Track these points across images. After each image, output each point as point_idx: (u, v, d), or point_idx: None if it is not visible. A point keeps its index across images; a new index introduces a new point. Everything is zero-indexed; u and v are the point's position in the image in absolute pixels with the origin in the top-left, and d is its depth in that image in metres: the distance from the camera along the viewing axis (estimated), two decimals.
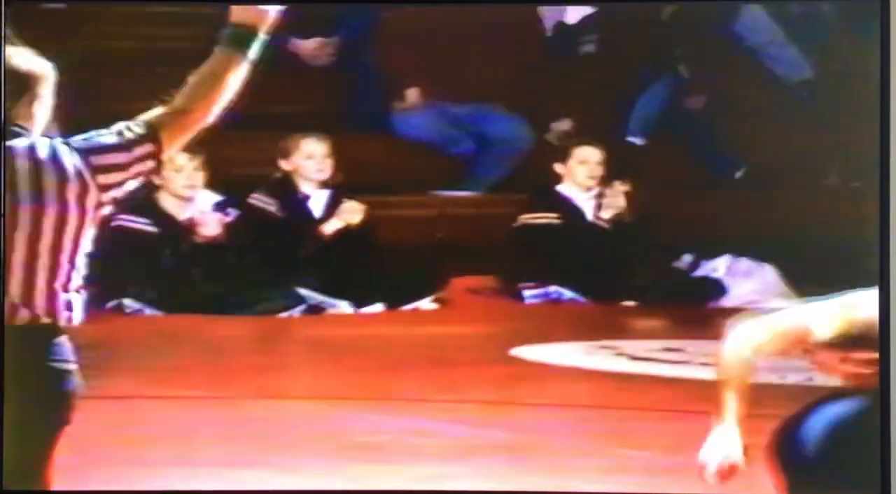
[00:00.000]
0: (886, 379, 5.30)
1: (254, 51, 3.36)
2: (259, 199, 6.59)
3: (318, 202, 6.64)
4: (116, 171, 3.33)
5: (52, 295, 3.35)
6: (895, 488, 5.17)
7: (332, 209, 6.61)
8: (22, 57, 3.51)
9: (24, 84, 3.42)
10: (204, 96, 3.41)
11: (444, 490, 4.76)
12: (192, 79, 3.39)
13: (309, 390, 5.70)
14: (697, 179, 6.96)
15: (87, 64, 6.63)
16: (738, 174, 6.96)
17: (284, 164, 6.61)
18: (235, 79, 3.39)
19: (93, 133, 3.41)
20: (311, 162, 6.59)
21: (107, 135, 3.39)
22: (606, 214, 6.78)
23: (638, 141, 7.05)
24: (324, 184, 6.64)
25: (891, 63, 5.32)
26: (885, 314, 5.32)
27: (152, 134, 3.36)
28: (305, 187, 6.65)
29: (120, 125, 3.42)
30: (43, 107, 3.43)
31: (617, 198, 6.73)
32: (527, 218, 6.79)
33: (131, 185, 3.36)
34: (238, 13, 3.41)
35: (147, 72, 6.68)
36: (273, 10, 3.43)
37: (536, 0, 7.09)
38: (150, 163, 3.35)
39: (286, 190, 6.62)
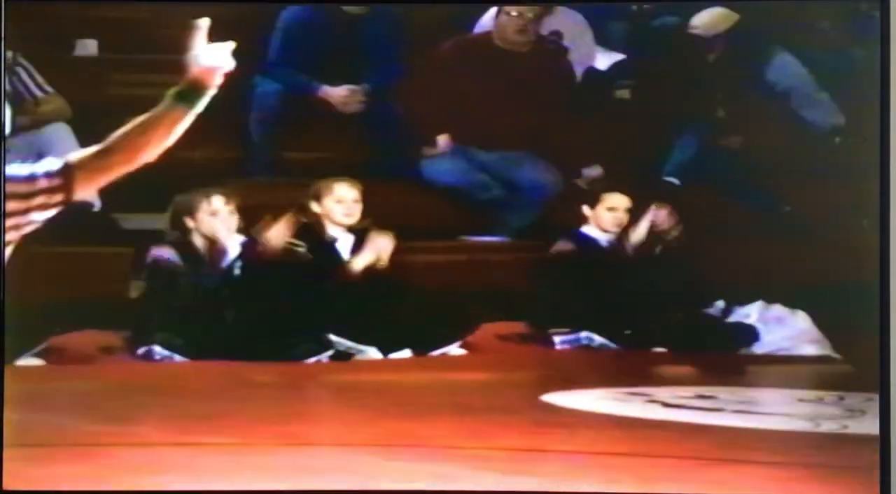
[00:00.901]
0: (886, 379, 5.27)
1: (200, 105, 3.41)
2: (290, 243, 6.61)
3: (345, 246, 6.67)
4: (16, 200, 3.50)
5: None
6: (895, 488, 5.12)
7: (358, 251, 6.64)
8: None
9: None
10: (135, 142, 3.49)
11: (443, 490, 4.75)
12: (130, 123, 3.47)
13: (337, 437, 5.69)
14: (731, 224, 6.93)
15: (116, 110, 6.68)
16: (787, 208, 6.92)
17: (315, 207, 6.66)
18: (176, 130, 3.46)
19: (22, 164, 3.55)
20: (340, 206, 6.65)
21: (25, 167, 3.51)
22: (635, 237, 6.77)
23: (675, 181, 7.03)
24: (350, 229, 6.66)
25: (891, 63, 5.30)
26: (885, 315, 5.30)
27: (65, 171, 3.47)
28: (333, 230, 6.68)
29: (44, 161, 3.53)
30: None
31: (658, 219, 6.73)
32: (553, 254, 6.78)
33: (36, 216, 3.54)
34: (196, 72, 3.47)
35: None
36: (227, 66, 3.49)
37: (538, 0, 7.09)
38: (57, 198, 3.46)
39: (313, 234, 6.64)
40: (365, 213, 6.67)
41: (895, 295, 5.21)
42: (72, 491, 5.17)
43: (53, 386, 6.00)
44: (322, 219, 6.65)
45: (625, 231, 6.82)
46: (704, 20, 6.95)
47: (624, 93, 7.10)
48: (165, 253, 6.45)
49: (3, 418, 5.42)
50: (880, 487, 5.14)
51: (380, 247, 6.61)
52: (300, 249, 6.60)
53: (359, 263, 6.62)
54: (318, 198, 6.65)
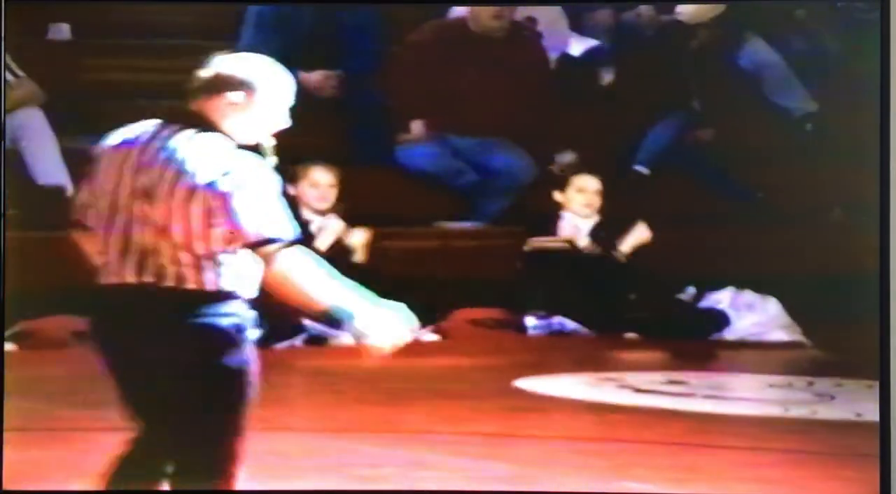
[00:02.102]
0: (886, 378, 5.31)
1: None
2: None
3: (317, 228, 6.67)
4: None
5: None
6: (895, 488, 5.16)
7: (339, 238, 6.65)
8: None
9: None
10: None
11: (443, 490, 4.76)
12: None
13: (310, 422, 5.69)
14: (702, 211, 6.95)
15: (90, 94, 6.67)
16: (760, 195, 6.94)
17: (291, 190, 6.65)
18: None
19: None
20: (314, 190, 6.65)
21: None
22: (626, 247, 6.80)
23: (644, 170, 7.06)
24: (322, 213, 6.67)
25: (891, 64, 5.33)
26: (884, 313, 5.33)
27: None
28: (307, 214, 6.68)
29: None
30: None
31: (641, 234, 6.76)
32: (538, 241, 6.81)
33: None
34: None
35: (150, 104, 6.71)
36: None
37: (536, 1, 7.10)
38: None
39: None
40: (339, 199, 6.67)
41: (895, 294, 5.24)
42: (72, 491, 5.16)
43: (25, 372, 5.99)
44: (297, 201, 6.64)
45: (610, 240, 6.83)
46: (690, 8, 6.96)
47: (607, 79, 7.11)
48: None
49: (3, 418, 5.40)
50: (880, 486, 5.18)
51: (337, 229, 6.60)
52: None
53: (322, 244, 6.60)
54: (293, 181, 6.65)
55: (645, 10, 7.07)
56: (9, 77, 6.55)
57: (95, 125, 6.64)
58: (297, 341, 6.43)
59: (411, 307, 6.63)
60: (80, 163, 6.05)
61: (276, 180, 3.75)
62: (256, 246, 3.67)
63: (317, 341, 6.44)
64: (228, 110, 3.78)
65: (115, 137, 3.79)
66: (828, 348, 6.39)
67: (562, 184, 6.90)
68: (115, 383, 3.92)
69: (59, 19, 6.76)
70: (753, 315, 6.72)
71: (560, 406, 5.86)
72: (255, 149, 3.83)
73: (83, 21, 6.75)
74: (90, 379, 5.98)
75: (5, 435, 5.42)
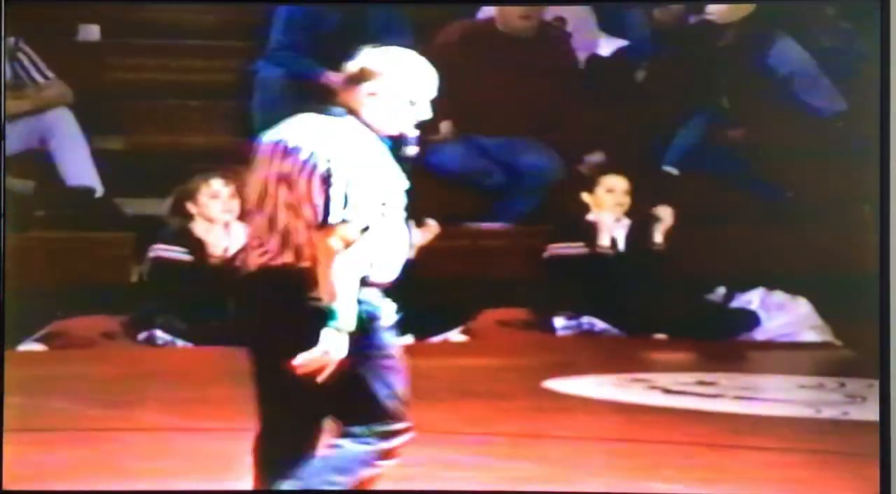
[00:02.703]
0: (886, 378, 5.27)
1: None
2: None
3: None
4: None
5: None
6: (895, 488, 5.12)
7: None
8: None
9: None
10: None
11: (443, 490, 4.75)
12: None
13: None
14: (732, 211, 6.93)
15: (119, 95, 6.69)
16: (789, 194, 6.91)
17: None
18: None
19: None
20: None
21: None
22: (657, 237, 6.78)
23: (673, 171, 7.03)
24: None
25: (891, 63, 5.29)
26: (885, 312, 5.29)
27: None
28: None
29: None
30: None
31: (665, 219, 6.74)
32: (556, 247, 6.79)
33: None
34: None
35: (180, 104, 6.73)
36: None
37: (541, 0, 7.09)
38: None
39: None
40: None
41: (895, 293, 5.20)
42: (71, 491, 5.18)
43: (55, 371, 6.02)
44: None
45: (645, 239, 6.81)
46: (721, 7, 6.93)
47: (638, 76, 7.09)
48: (168, 251, 6.44)
49: (3, 418, 5.43)
50: (880, 486, 5.14)
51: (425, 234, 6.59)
52: None
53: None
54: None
55: (676, 9, 7.05)
56: (38, 78, 6.58)
57: (125, 125, 6.74)
58: None
59: (439, 307, 6.68)
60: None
61: (379, 171, 3.92)
62: (330, 227, 3.84)
63: None
64: (370, 101, 3.94)
65: (275, 129, 3.98)
66: (860, 349, 6.34)
67: (590, 185, 6.88)
68: (253, 362, 4.19)
69: (89, 20, 6.79)
70: (784, 315, 6.68)
71: (588, 406, 5.84)
72: (398, 139, 3.99)
73: (112, 22, 6.77)
74: (119, 379, 6.02)
75: (33, 436, 5.45)
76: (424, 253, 6.69)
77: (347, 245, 3.89)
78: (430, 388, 5.95)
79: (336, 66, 6.94)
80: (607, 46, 7.19)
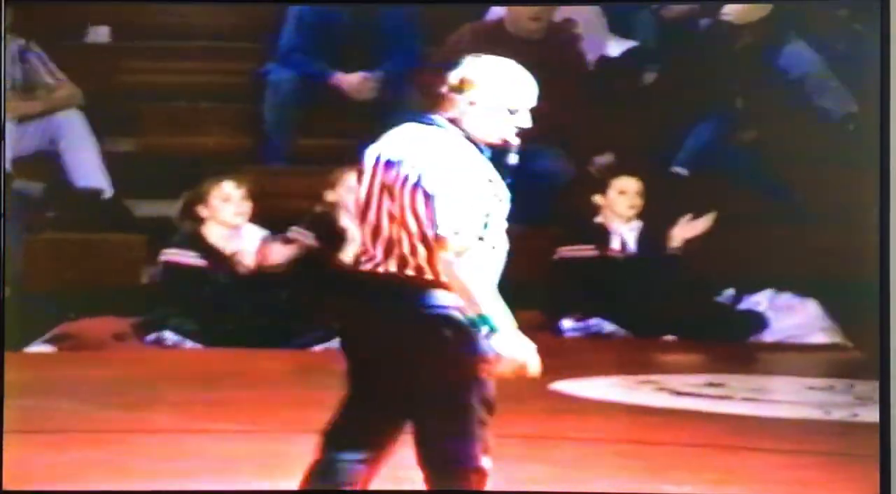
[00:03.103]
0: (886, 378, 5.27)
1: None
2: (297, 232, 6.62)
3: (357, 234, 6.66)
4: None
5: None
6: (895, 488, 5.12)
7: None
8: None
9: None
10: None
11: (443, 490, 4.74)
12: None
13: None
14: (742, 213, 6.92)
15: (129, 97, 6.70)
16: (801, 195, 6.91)
17: (331, 196, 6.65)
18: None
19: None
20: (353, 194, 6.62)
21: None
22: (676, 242, 6.78)
23: (683, 172, 7.03)
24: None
25: (891, 63, 5.30)
26: (885, 311, 5.29)
27: None
28: (345, 221, 6.67)
29: None
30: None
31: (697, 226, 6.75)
32: (566, 250, 6.79)
33: None
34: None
35: (190, 106, 6.73)
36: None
37: (574, 1, 7.08)
38: None
39: (325, 223, 6.64)
40: None
41: (895, 294, 5.20)
42: (71, 491, 5.19)
43: (65, 373, 6.02)
44: (336, 207, 6.64)
45: (657, 241, 6.81)
46: (737, 8, 6.93)
47: (647, 77, 7.08)
48: (179, 256, 6.45)
49: (3, 418, 5.43)
50: (880, 486, 5.14)
51: None
52: (307, 240, 6.60)
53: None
54: (332, 187, 6.64)
55: (686, 9, 7.05)
56: (49, 80, 6.59)
57: (135, 127, 6.75)
58: (333, 344, 6.43)
59: None
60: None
61: (483, 181, 4.02)
62: (442, 240, 3.92)
63: None
64: (470, 110, 4.02)
65: (379, 139, 4.07)
66: (868, 350, 6.33)
67: (602, 187, 6.87)
68: (351, 366, 4.30)
69: (98, 22, 6.80)
70: (793, 317, 6.67)
71: (598, 408, 5.84)
72: (500, 148, 4.09)
73: (122, 24, 6.78)
74: (129, 381, 6.03)
75: (42, 438, 5.46)
76: None
77: (462, 255, 3.95)
78: None
79: (347, 67, 7.02)
80: (617, 48, 7.19)
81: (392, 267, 4.00)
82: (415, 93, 6.99)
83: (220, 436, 5.56)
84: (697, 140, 7.06)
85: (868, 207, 6.69)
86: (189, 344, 6.34)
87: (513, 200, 7.02)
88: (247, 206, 6.52)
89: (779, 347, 6.61)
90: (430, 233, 3.93)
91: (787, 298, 6.71)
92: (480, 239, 4.02)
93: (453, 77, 4.05)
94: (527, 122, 4.13)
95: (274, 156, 6.86)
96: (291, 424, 5.65)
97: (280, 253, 6.52)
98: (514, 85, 4.11)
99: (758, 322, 6.68)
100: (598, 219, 6.86)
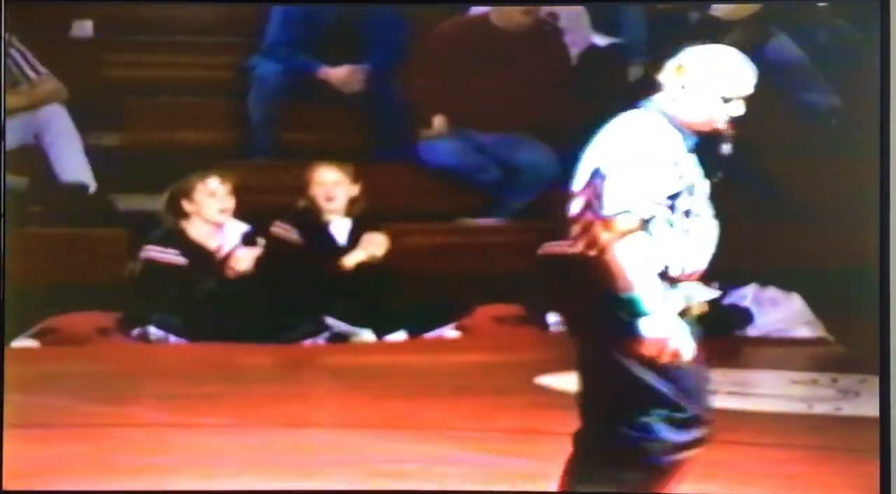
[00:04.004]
0: (886, 378, 5.29)
1: None
2: (281, 227, 6.61)
3: (340, 230, 6.66)
4: None
5: None
6: (895, 488, 5.14)
7: (355, 238, 6.64)
8: None
9: None
10: None
11: (444, 490, 4.76)
12: None
13: (333, 418, 5.70)
14: (725, 207, 6.92)
15: (114, 91, 6.69)
16: (785, 190, 6.92)
17: (310, 190, 6.66)
18: None
19: None
20: (321, 189, 6.64)
21: None
22: None
23: None
24: (347, 213, 6.66)
25: (891, 62, 5.32)
26: (885, 310, 5.31)
27: None
28: (328, 215, 6.67)
29: None
30: None
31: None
32: (549, 246, 6.79)
33: None
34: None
35: (175, 100, 6.73)
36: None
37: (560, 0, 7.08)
38: None
39: (308, 218, 6.64)
40: (360, 197, 6.67)
41: (895, 290, 5.22)
42: (72, 491, 5.19)
43: (49, 368, 6.02)
44: (315, 203, 6.64)
45: None
46: (726, 5, 6.93)
47: (635, 72, 7.08)
48: (161, 251, 6.44)
49: (3, 418, 5.43)
50: (880, 486, 5.16)
51: (374, 247, 6.60)
52: (291, 236, 6.59)
53: (350, 261, 6.61)
54: (308, 183, 6.64)
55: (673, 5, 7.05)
56: (31, 74, 6.58)
57: (119, 122, 6.73)
58: (320, 339, 6.44)
59: (433, 303, 6.68)
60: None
61: (667, 165, 4.12)
62: (608, 220, 4.06)
63: (339, 338, 6.45)
64: (681, 95, 4.18)
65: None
66: (852, 344, 6.35)
67: None
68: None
69: (83, 16, 6.78)
70: (777, 311, 6.69)
71: None
72: (713, 136, 4.24)
73: (106, 18, 6.76)
74: (114, 375, 6.03)
75: (27, 432, 5.45)
76: (419, 249, 6.71)
77: (626, 235, 4.04)
78: (425, 384, 5.97)
79: (333, 61, 7.02)
80: (601, 42, 7.19)
81: (580, 248, 4.18)
82: (400, 87, 6.98)
83: (206, 431, 5.57)
84: None
85: (853, 200, 6.71)
86: (173, 339, 6.34)
87: (498, 195, 7.07)
88: (231, 202, 6.51)
89: (762, 341, 6.62)
90: (599, 213, 4.06)
91: (771, 292, 6.72)
92: (647, 220, 4.08)
93: (671, 63, 4.17)
94: (740, 111, 4.22)
95: (259, 151, 6.85)
96: (277, 419, 5.66)
97: (246, 258, 6.50)
98: (730, 73, 4.20)
99: (742, 316, 6.69)
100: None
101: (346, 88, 6.95)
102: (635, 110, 4.21)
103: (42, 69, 6.56)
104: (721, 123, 4.15)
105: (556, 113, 6.98)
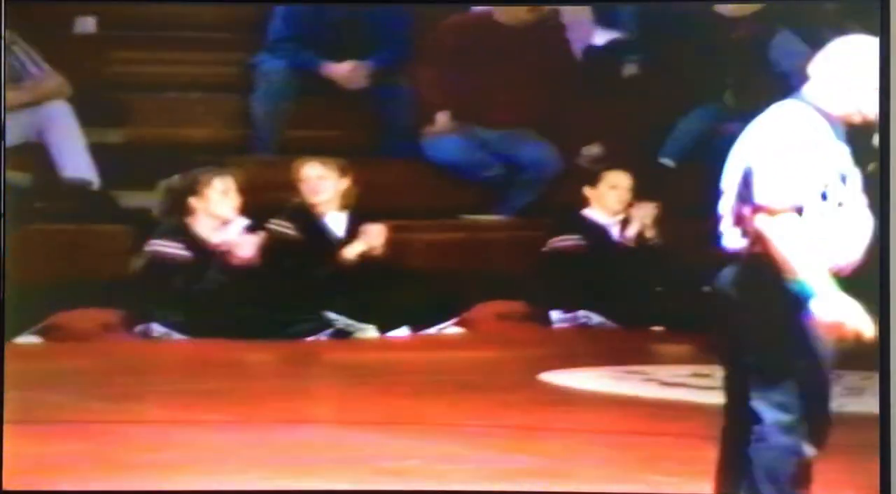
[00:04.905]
0: (886, 378, 5.28)
1: None
2: (278, 224, 6.61)
3: (337, 224, 6.66)
4: None
5: None
6: (895, 488, 5.14)
7: (353, 231, 6.64)
8: None
9: None
10: None
11: (445, 490, 4.76)
12: None
13: (337, 414, 5.70)
14: None
15: (117, 88, 6.68)
16: None
17: (302, 187, 6.66)
18: None
19: None
20: (306, 185, 6.64)
21: None
22: (631, 232, 6.77)
23: (670, 163, 7.03)
24: (341, 206, 6.67)
25: (891, 62, 5.31)
26: (885, 309, 5.30)
27: None
28: (321, 210, 6.68)
29: None
30: None
31: (645, 216, 6.74)
32: (555, 241, 6.79)
33: None
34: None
35: (179, 97, 6.72)
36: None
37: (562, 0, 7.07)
38: None
39: (303, 214, 6.64)
40: (350, 191, 6.67)
41: (895, 289, 5.22)
42: (72, 491, 5.19)
43: (53, 364, 6.02)
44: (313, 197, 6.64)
45: (624, 225, 6.82)
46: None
47: (631, 70, 7.07)
48: (165, 246, 6.44)
49: (3, 418, 5.43)
50: (880, 486, 5.15)
51: (372, 237, 6.60)
52: (289, 232, 6.59)
53: (351, 252, 6.61)
54: (298, 178, 6.63)
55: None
56: (34, 70, 6.57)
57: (123, 118, 6.73)
58: (323, 335, 6.44)
59: (435, 299, 6.68)
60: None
61: (817, 154, 4.18)
62: (762, 207, 4.14)
63: (342, 334, 6.45)
64: (828, 85, 4.26)
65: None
66: (855, 341, 6.34)
67: (592, 180, 6.87)
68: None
69: (85, 13, 6.78)
70: None
71: (586, 399, 5.85)
72: (863, 126, 4.29)
73: (109, 14, 6.76)
74: (118, 372, 6.03)
75: (30, 429, 5.45)
76: (422, 245, 6.70)
77: (782, 223, 4.10)
78: (429, 381, 5.97)
79: (338, 57, 7.01)
80: (603, 38, 7.18)
81: (742, 244, 4.23)
82: (403, 83, 6.98)
83: (209, 427, 5.57)
84: (686, 131, 7.05)
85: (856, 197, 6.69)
86: (176, 335, 6.34)
87: (502, 191, 7.06)
88: (235, 198, 6.52)
89: None
90: (752, 203, 4.12)
91: None
92: (802, 209, 4.12)
93: (822, 55, 4.27)
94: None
95: (263, 147, 6.85)
96: (279, 415, 5.66)
97: (248, 244, 6.50)
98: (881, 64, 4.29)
99: None
100: (587, 211, 6.86)
101: (349, 85, 6.95)
102: (785, 102, 4.27)
103: (45, 65, 6.56)
104: (871, 113, 4.21)
105: (560, 109, 6.98)
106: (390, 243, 6.63)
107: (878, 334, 5.20)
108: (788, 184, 4.13)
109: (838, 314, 4.19)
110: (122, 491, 5.18)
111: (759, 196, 4.15)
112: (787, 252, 4.13)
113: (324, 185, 6.61)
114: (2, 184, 3.61)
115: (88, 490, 5.17)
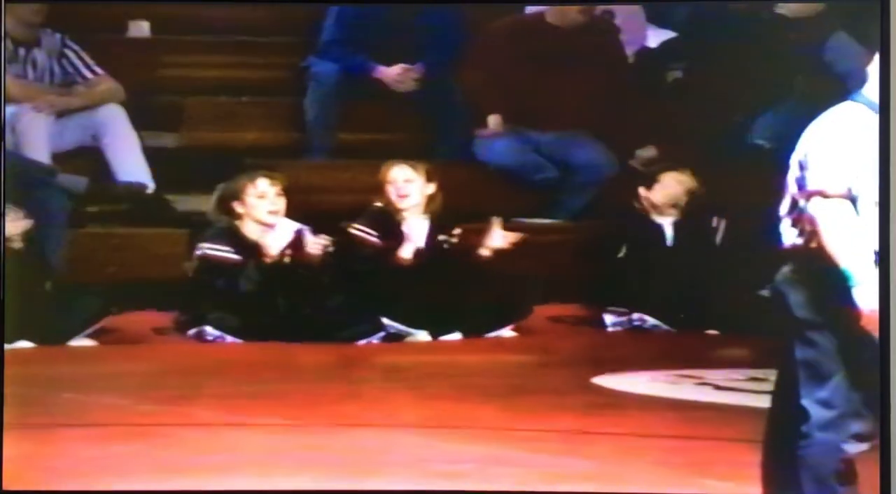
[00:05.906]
0: (886, 377, 5.22)
1: None
2: (360, 230, 6.57)
3: (417, 229, 6.63)
4: None
5: None
6: (895, 488, 5.08)
7: (433, 236, 6.62)
8: None
9: None
10: None
11: (446, 490, 4.76)
12: None
13: (388, 418, 5.70)
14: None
15: (170, 91, 6.72)
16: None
17: (385, 191, 6.62)
18: None
19: None
20: (393, 187, 6.61)
21: None
22: (685, 233, 6.75)
23: (766, 144, 6.96)
24: (425, 211, 6.64)
25: (891, 62, 5.27)
26: (884, 311, 5.24)
27: None
28: (404, 214, 6.64)
29: None
30: None
31: (699, 218, 6.72)
32: (602, 242, 6.76)
33: None
34: None
35: (232, 100, 6.75)
36: None
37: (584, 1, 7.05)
38: None
39: (386, 219, 6.61)
40: (432, 195, 6.65)
41: (895, 294, 5.18)
42: (72, 491, 5.21)
43: (106, 367, 6.05)
44: (390, 202, 6.60)
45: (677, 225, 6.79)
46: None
47: (678, 74, 7.04)
48: (215, 249, 6.44)
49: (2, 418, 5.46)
50: (880, 486, 5.10)
51: (499, 239, 6.58)
52: (372, 238, 6.56)
53: (496, 242, 6.55)
54: (382, 182, 6.61)
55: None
56: (88, 74, 6.62)
57: (176, 122, 6.77)
58: (375, 339, 6.43)
59: (491, 305, 6.66)
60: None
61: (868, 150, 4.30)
62: (814, 193, 4.23)
63: (394, 338, 6.45)
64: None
65: None
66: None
67: (648, 182, 6.83)
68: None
69: (138, 16, 6.82)
70: None
71: (638, 403, 5.82)
72: None
73: (162, 18, 6.80)
74: (171, 374, 6.06)
75: (85, 431, 5.48)
76: (476, 249, 6.68)
77: (835, 211, 4.19)
78: (481, 384, 5.96)
79: (388, 59, 7.01)
80: (656, 39, 7.15)
81: (801, 238, 4.28)
82: (455, 86, 6.97)
83: (261, 430, 5.58)
84: (768, 123, 6.96)
85: None
86: (229, 338, 6.36)
87: (556, 194, 7.03)
88: (282, 203, 6.48)
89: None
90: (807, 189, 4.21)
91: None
92: (853, 199, 4.20)
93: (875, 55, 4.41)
94: None
95: (316, 150, 6.86)
96: (333, 418, 5.66)
97: (315, 245, 6.50)
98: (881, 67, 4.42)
99: None
100: (643, 213, 6.82)
101: (400, 87, 6.95)
102: (844, 103, 4.38)
103: (99, 70, 6.60)
104: None
105: (613, 111, 6.95)
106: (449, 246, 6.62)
107: (878, 346, 5.16)
108: (843, 169, 4.22)
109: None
110: (137, 492, 5.19)
111: (814, 181, 4.22)
112: (836, 238, 4.20)
113: (411, 189, 6.58)
114: (2, 184, 3.62)
115: (89, 490, 5.18)
